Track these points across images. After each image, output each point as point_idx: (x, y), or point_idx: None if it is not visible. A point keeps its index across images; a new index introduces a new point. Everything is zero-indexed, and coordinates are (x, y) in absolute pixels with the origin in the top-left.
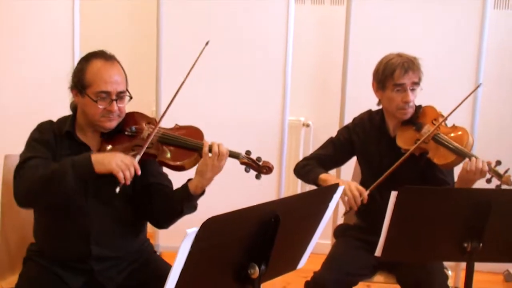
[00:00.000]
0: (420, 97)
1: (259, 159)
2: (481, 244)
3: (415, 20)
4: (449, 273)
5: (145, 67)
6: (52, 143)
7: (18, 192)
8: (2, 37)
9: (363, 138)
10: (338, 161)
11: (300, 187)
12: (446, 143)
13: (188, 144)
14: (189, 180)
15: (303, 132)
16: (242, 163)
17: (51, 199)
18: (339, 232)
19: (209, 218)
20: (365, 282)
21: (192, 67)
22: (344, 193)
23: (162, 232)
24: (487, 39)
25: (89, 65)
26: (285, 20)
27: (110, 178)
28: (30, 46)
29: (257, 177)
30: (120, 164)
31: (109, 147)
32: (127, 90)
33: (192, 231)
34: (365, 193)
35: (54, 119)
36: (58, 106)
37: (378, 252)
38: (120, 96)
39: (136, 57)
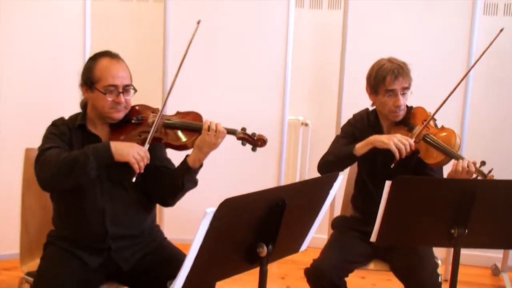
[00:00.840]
0: (414, 99)
1: (254, 134)
2: (466, 231)
3: (409, 25)
4: (439, 262)
5: (152, 66)
6: (67, 135)
7: (42, 177)
8: (19, 39)
9: (361, 134)
10: None
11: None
12: (436, 144)
13: (189, 126)
14: (187, 156)
15: (301, 131)
16: (238, 138)
17: (73, 182)
18: (336, 223)
19: (226, 199)
20: (361, 271)
21: (187, 48)
22: (395, 145)
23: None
24: (476, 43)
25: (97, 63)
26: (285, 23)
27: (123, 164)
28: (44, 47)
29: (253, 149)
30: (137, 155)
31: (122, 137)
32: (132, 84)
33: (211, 211)
34: (411, 141)
35: (66, 115)
36: (70, 103)
37: (373, 237)
38: (126, 89)
39: (144, 57)
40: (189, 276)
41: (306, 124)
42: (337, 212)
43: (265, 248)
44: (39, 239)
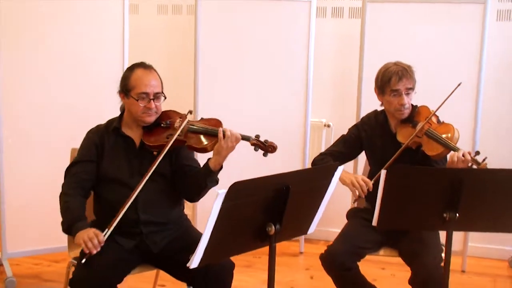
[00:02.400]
0: (427, 100)
1: (266, 141)
2: (457, 215)
3: (423, 32)
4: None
5: (185, 74)
6: (97, 142)
7: (60, 198)
8: (68, 51)
9: (369, 134)
10: (349, 156)
11: None
12: (436, 137)
13: (209, 131)
14: (209, 159)
15: (324, 132)
16: (252, 144)
17: None
18: (351, 214)
19: (235, 182)
20: (380, 262)
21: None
22: (352, 185)
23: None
24: (487, 48)
25: (132, 73)
26: (307, 32)
27: (151, 158)
28: (89, 58)
29: (264, 155)
30: (85, 238)
31: (153, 138)
32: (162, 92)
33: (222, 192)
34: (370, 183)
35: (106, 118)
36: (110, 107)
37: (374, 222)
38: (156, 96)
39: (178, 66)
40: (205, 252)
41: (329, 126)
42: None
43: (273, 227)
44: None
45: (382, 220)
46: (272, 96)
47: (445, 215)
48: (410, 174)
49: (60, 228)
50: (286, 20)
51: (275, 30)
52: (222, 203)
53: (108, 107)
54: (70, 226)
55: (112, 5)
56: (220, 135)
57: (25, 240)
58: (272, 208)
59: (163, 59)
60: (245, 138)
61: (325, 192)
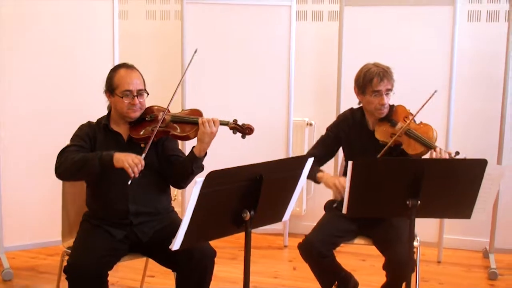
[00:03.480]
0: (401, 98)
1: (243, 124)
2: (419, 202)
3: (397, 33)
4: (418, 238)
5: (173, 76)
6: (90, 134)
7: (57, 169)
8: (59, 53)
9: (347, 132)
10: (329, 155)
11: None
12: (416, 137)
13: (190, 120)
14: (194, 146)
15: (307, 131)
16: (230, 128)
17: (80, 178)
18: (328, 206)
19: (211, 171)
20: (361, 254)
21: (185, 71)
22: (335, 187)
23: None
24: (458, 47)
25: (116, 73)
26: (288, 34)
27: (139, 150)
28: (80, 62)
29: (243, 137)
30: (131, 162)
31: (142, 131)
32: (145, 89)
33: (200, 180)
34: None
35: (97, 116)
36: (100, 107)
37: (344, 210)
38: (139, 93)
39: (166, 67)
40: (186, 235)
41: (311, 124)
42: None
43: (248, 213)
44: (77, 220)
45: (351, 208)
46: (256, 96)
47: (408, 202)
48: (375, 165)
49: (58, 225)
50: (268, 24)
51: (258, 33)
52: (200, 190)
53: (99, 108)
54: (100, 156)
55: (102, 11)
56: (200, 121)
57: (22, 235)
58: (247, 196)
59: (152, 62)
60: (223, 123)
61: (297, 182)
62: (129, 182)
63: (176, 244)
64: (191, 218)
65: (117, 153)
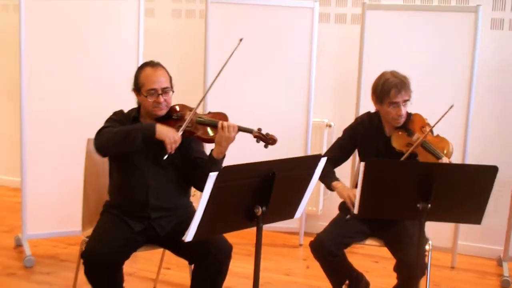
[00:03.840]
0: (421, 102)
1: (267, 134)
2: (429, 205)
3: (418, 38)
4: (430, 242)
5: (196, 74)
6: (123, 121)
7: (98, 143)
8: (85, 50)
9: (364, 135)
10: (345, 157)
11: None
12: (432, 151)
13: (216, 123)
14: (212, 150)
15: (326, 132)
16: (254, 136)
17: (123, 149)
18: (342, 206)
19: (225, 166)
20: (375, 256)
21: (227, 61)
22: (350, 199)
23: None
24: (480, 55)
25: (141, 72)
26: (310, 36)
27: (161, 145)
28: (108, 59)
29: (265, 146)
30: (171, 137)
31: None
32: (171, 86)
33: (214, 174)
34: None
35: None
36: (125, 104)
37: (355, 210)
38: (164, 91)
39: (191, 65)
40: (199, 228)
41: (330, 126)
42: None
43: (260, 209)
44: (97, 210)
45: (362, 209)
46: (276, 97)
47: (418, 205)
48: (386, 167)
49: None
50: (291, 25)
51: (281, 34)
52: (214, 184)
53: (124, 104)
54: (143, 129)
55: (128, 9)
56: (220, 125)
57: (44, 224)
58: (260, 192)
59: (176, 60)
60: (247, 130)
61: (310, 181)
62: (165, 157)
63: (189, 235)
64: (204, 211)
65: (158, 124)
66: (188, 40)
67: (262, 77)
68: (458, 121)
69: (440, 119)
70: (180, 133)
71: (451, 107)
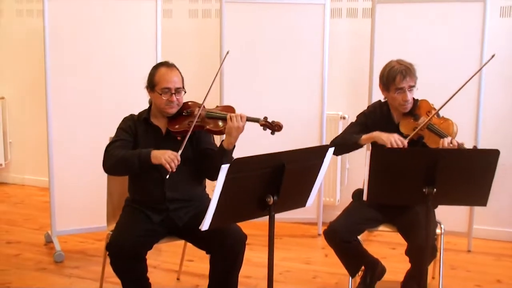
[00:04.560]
0: (432, 95)
1: (273, 121)
2: (435, 190)
3: (428, 29)
4: (442, 226)
5: (212, 69)
6: (132, 127)
7: (104, 165)
8: (106, 51)
9: (375, 122)
10: None
11: (339, 171)
12: (437, 132)
13: (222, 116)
14: (222, 140)
15: (340, 124)
16: (261, 125)
17: (123, 174)
18: (356, 195)
19: (236, 158)
20: (392, 243)
21: (218, 71)
22: (390, 142)
23: None
24: (490, 43)
25: (157, 71)
26: (322, 31)
27: (175, 142)
28: (127, 59)
29: (272, 133)
30: (167, 158)
31: (177, 126)
32: (183, 87)
33: (225, 166)
34: (405, 141)
35: (139, 110)
36: (143, 101)
37: (364, 197)
38: (177, 90)
39: (207, 64)
40: (214, 217)
41: (344, 118)
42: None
43: (271, 198)
44: (119, 205)
45: (371, 195)
46: (291, 91)
47: (424, 190)
48: (391, 154)
49: (103, 209)
50: (303, 21)
51: (294, 30)
52: (226, 175)
53: (142, 103)
54: (139, 155)
55: (147, 10)
56: (228, 116)
57: (72, 220)
58: (271, 182)
59: (194, 58)
60: (254, 119)
61: (319, 170)
62: (167, 176)
63: (205, 225)
64: (218, 201)
65: (154, 150)
66: (206, 39)
67: (277, 73)
68: (470, 109)
69: (448, 101)
70: (180, 151)
71: (459, 90)
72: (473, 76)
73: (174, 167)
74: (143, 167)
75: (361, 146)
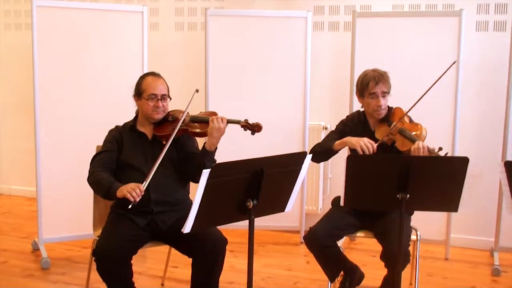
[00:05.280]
0: (411, 103)
1: (253, 123)
2: (408, 195)
3: (406, 42)
4: (418, 232)
5: (198, 79)
6: (117, 136)
7: (88, 179)
8: (93, 62)
9: (352, 130)
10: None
11: (322, 180)
12: (407, 135)
13: (204, 119)
14: (205, 142)
15: (323, 134)
16: (242, 126)
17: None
18: (335, 202)
19: (216, 163)
20: (372, 251)
21: (186, 109)
22: (360, 146)
23: None
24: (466, 56)
25: (143, 80)
26: (304, 43)
27: (161, 147)
28: (114, 71)
29: (252, 133)
30: (130, 190)
31: (162, 130)
32: (168, 94)
33: (207, 171)
34: (375, 144)
35: (127, 119)
36: (131, 111)
37: (342, 202)
38: (163, 97)
39: (193, 73)
40: (195, 220)
41: (326, 128)
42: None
43: (251, 202)
44: (106, 211)
45: (348, 201)
46: (274, 102)
47: (398, 196)
48: (366, 161)
49: (90, 218)
50: (286, 34)
51: (277, 43)
52: (207, 180)
53: (129, 113)
54: (108, 189)
55: (134, 24)
56: (210, 118)
57: (59, 228)
58: (250, 187)
59: (181, 69)
60: (235, 121)
61: (297, 176)
62: (129, 207)
63: (187, 227)
64: (199, 205)
65: (119, 188)
66: (191, 51)
67: (261, 84)
68: (446, 117)
69: (416, 103)
70: (146, 184)
71: (428, 90)
72: (436, 82)
73: (136, 197)
74: (108, 198)
75: (335, 151)
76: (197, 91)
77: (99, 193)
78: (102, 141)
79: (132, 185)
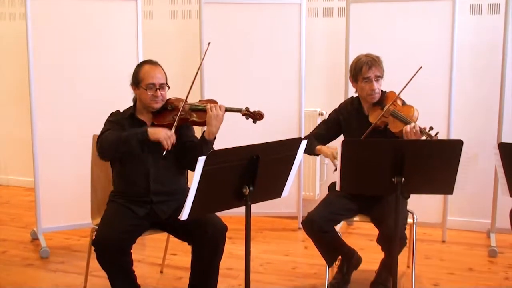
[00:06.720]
0: (408, 91)
1: (254, 111)
2: (403, 179)
3: (401, 27)
4: (415, 216)
5: (193, 68)
6: (120, 121)
7: (99, 149)
8: (88, 51)
9: (346, 117)
10: (329, 137)
11: (319, 166)
12: (398, 117)
13: (203, 108)
14: (204, 131)
15: (319, 120)
16: (243, 114)
17: (120, 153)
18: (332, 187)
19: (212, 150)
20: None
21: (201, 62)
22: (333, 156)
23: None
24: (460, 40)
25: (141, 68)
26: (299, 30)
27: (158, 144)
28: (109, 59)
29: (254, 122)
30: (165, 135)
31: (162, 120)
32: (166, 83)
33: (202, 158)
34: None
35: (123, 108)
36: (126, 100)
37: (337, 187)
38: (161, 86)
39: (188, 61)
40: (192, 207)
41: (322, 114)
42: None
43: (247, 188)
44: (104, 201)
45: (344, 185)
46: (270, 88)
47: (393, 179)
48: (360, 145)
49: (89, 212)
50: (280, 20)
51: (271, 29)
52: (203, 167)
53: (125, 100)
54: (137, 134)
55: (128, 12)
56: (208, 106)
57: (58, 218)
58: (246, 173)
59: (175, 58)
60: (236, 110)
61: (293, 162)
62: (164, 154)
63: (184, 214)
64: (196, 192)
65: (150, 128)
66: (186, 39)
67: (256, 72)
68: (441, 101)
69: (407, 83)
70: (173, 129)
71: (420, 68)
72: (406, 85)
73: (170, 145)
74: (140, 144)
75: (318, 154)
76: (209, 43)
77: (127, 145)
78: (99, 130)
79: (166, 130)
